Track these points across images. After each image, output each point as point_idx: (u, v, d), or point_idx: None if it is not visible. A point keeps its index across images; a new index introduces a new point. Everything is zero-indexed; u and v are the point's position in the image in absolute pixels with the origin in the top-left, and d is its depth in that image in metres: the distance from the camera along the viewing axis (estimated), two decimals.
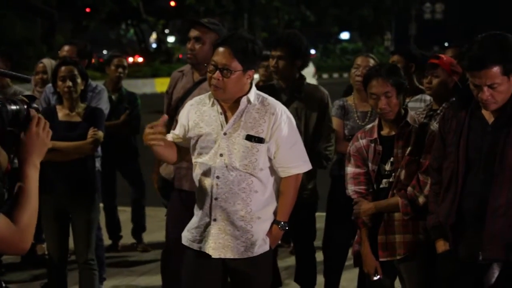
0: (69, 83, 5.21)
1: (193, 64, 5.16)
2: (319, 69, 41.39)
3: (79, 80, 5.26)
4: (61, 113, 5.28)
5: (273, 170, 4.00)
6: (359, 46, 53.30)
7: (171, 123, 4.81)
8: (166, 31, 47.57)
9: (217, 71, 3.86)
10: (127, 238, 7.51)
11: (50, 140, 5.05)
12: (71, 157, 5.20)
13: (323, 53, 54.36)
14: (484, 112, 3.78)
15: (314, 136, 5.22)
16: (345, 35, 59.46)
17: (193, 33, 5.09)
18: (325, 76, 41.35)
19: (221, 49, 3.88)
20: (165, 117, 3.93)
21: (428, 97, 5.23)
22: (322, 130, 5.24)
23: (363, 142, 4.32)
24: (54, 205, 5.23)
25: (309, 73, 7.12)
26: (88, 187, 5.30)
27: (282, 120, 3.94)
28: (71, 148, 5.19)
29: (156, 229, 7.65)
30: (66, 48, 6.48)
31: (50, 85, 5.97)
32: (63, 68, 5.26)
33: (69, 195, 5.23)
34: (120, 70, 7.11)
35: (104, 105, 5.87)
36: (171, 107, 5.20)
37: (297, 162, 4.02)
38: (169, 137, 4.10)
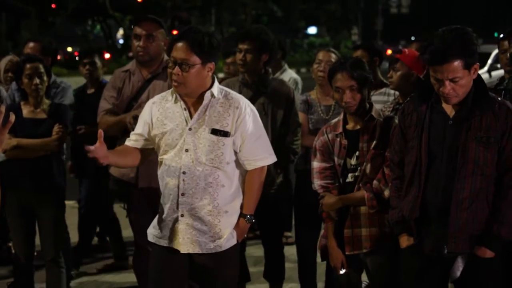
0: (37, 81, 5.18)
1: (144, 62, 5.12)
2: (287, 64, 41.28)
3: (45, 77, 5.23)
4: (26, 110, 5.25)
5: (238, 164, 4.02)
6: (326, 41, 53.34)
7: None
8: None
9: (177, 66, 3.87)
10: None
11: (14, 136, 5.03)
12: (36, 154, 5.17)
13: (290, 48, 54.41)
14: (444, 105, 3.82)
15: (282, 130, 5.23)
16: (312, 30, 59.48)
17: (143, 30, 5.07)
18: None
19: (178, 44, 3.90)
20: (101, 132, 3.90)
21: (392, 91, 5.28)
22: (289, 125, 5.26)
23: (328, 136, 4.34)
24: (20, 202, 5.20)
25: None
26: (53, 184, 5.26)
27: (247, 113, 3.96)
28: (36, 145, 5.16)
29: (126, 225, 7.61)
30: (30, 45, 6.41)
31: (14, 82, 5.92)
32: (28, 65, 5.22)
33: (35, 192, 5.20)
34: (87, 67, 7.04)
35: (68, 101, 5.83)
36: (120, 106, 5.13)
37: (263, 154, 4.05)
38: (130, 142, 4.11)
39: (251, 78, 5.24)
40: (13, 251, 5.50)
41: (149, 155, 4.14)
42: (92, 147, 3.81)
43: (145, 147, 4.10)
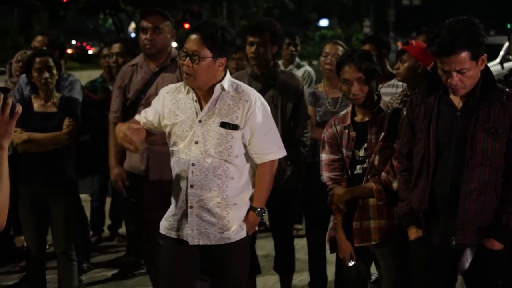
0: (46, 74, 5.21)
1: (151, 55, 5.14)
2: (299, 56, 41.24)
3: (55, 71, 5.26)
4: (37, 104, 5.28)
5: (248, 157, 4.02)
6: (338, 33, 53.22)
7: (127, 116, 4.91)
8: None
9: (187, 58, 3.88)
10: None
11: (25, 129, 5.07)
12: (47, 147, 5.21)
13: (302, 41, 54.28)
14: (452, 97, 3.81)
15: (291, 123, 5.23)
16: (324, 22, 59.33)
17: (149, 23, 5.09)
18: (304, 63, 41.38)
19: (192, 36, 3.91)
20: (136, 121, 3.95)
21: (401, 83, 5.27)
22: (298, 117, 5.26)
23: (337, 128, 4.34)
24: (31, 196, 5.24)
25: None
26: (64, 177, 5.29)
27: (256, 106, 3.97)
28: (47, 139, 5.19)
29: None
30: (38, 38, 6.45)
31: (24, 75, 5.95)
32: (38, 59, 5.24)
33: (46, 186, 5.23)
34: (107, 59, 7.07)
35: (77, 95, 5.85)
36: (129, 100, 5.18)
37: (272, 148, 4.05)
38: (140, 121, 4.12)
39: (260, 71, 5.24)
40: (25, 245, 5.53)
41: (150, 136, 4.16)
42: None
43: (152, 131, 4.12)
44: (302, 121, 5.27)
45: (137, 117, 4.19)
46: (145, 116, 4.14)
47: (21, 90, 5.93)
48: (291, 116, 5.22)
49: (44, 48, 5.91)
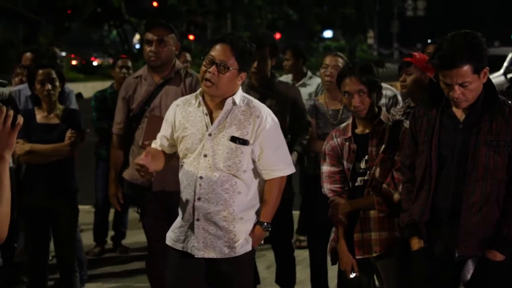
0: (49, 86, 5.23)
1: (155, 67, 5.15)
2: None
3: (57, 83, 5.28)
4: (39, 116, 5.30)
5: (257, 172, 4.02)
6: (342, 44, 53.35)
7: (131, 128, 4.99)
8: None
9: (214, 65, 3.89)
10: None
11: (28, 141, 5.08)
12: (49, 159, 5.22)
13: (306, 52, 54.32)
14: (455, 110, 3.81)
15: (291, 132, 5.27)
16: (328, 34, 59.50)
17: (154, 35, 5.11)
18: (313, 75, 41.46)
19: (220, 45, 3.93)
20: (151, 149, 3.96)
21: (389, 92, 5.31)
22: (297, 126, 5.29)
23: (337, 140, 4.35)
24: (34, 207, 5.24)
25: None
26: (67, 188, 5.31)
27: (267, 123, 3.97)
28: (49, 150, 5.21)
29: (135, 229, 7.66)
30: (28, 55, 6.54)
31: (16, 88, 6.01)
32: (40, 71, 5.26)
33: (49, 197, 5.23)
34: (124, 70, 7.12)
35: (74, 107, 5.90)
36: (132, 111, 5.19)
37: (281, 165, 4.05)
38: (155, 144, 4.14)
39: (258, 82, 5.29)
40: (20, 257, 5.55)
41: (171, 159, 4.16)
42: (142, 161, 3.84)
43: (169, 149, 4.12)
44: (302, 129, 5.30)
45: (153, 144, 4.19)
46: (159, 135, 4.16)
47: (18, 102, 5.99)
48: (290, 125, 5.26)
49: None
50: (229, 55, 3.89)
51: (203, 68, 3.93)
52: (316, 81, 7.45)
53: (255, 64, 5.22)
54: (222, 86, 3.91)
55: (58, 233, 5.33)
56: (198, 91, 4.07)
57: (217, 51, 3.92)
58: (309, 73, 7.53)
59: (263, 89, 5.27)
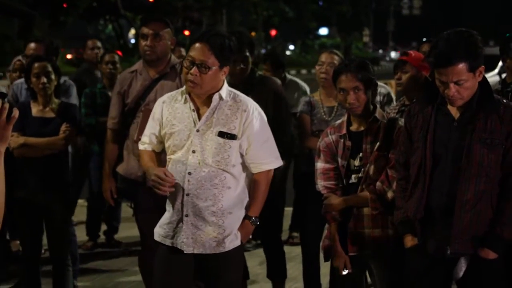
0: (44, 80, 5.22)
1: (151, 61, 5.14)
2: (298, 65, 41.38)
3: (53, 76, 5.27)
4: (35, 109, 5.29)
5: (245, 166, 4.04)
6: (337, 42, 53.38)
7: (126, 122, 4.98)
8: None
9: (195, 67, 3.88)
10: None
11: (22, 134, 5.08)
12: (43, 152, 5.21)
13: (302, 49, 54.38)
14: (450, 107, 3.82)
15: (274, 125, 5.28)
16: (323, 31, 59.50)
17: (150, 29, 5.10)
18: (304, 71, 41.43)
19: (198, 45, 3.92)
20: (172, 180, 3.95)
21: (383, 90, 5.33)
22: (281, 119, 5.29)
23: (332, 137, 4.35)
24: (28, 201, 5.24)
25: None
26: (61, 182, 5.30)
27: (254, 116, 3.98)
28: (43, 144, 5.20)
29: (128, 223, 7.66)
30: (32, 45, 6.47)
31: (18, 82, 5.97)
32: (36, 64, 5.26)
33: (43, 191, 5.23)
34: (110, 66, 7.08)
35: (74, 101, 5.87)
36: (128, 106, 5.19)
37: (269, 158, 4.07)
38: (143, 146, 4.16)
39: (238, 79, 5.28)
40: (14, 250, 5.54)
41: (161, 155, 4.17)
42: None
43: (158, 147, 4.13)
44: (285, 121, 5.34)
45: (141, 145, 4.20)
46: (146, 134, 4.17)
47: (16, 97, 5.95)
48: (273, 118, 5.27)
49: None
50: (208, 54, 3.89)
51: (185, 70, 3.94)
52: (296, 86, 7.38)
53: (240, 65, 5.26)
54: (206, 85, 3.92)
55: (51, 227, 5.32)
56: (183, 88, 4.07)
57: (196, 50, 3.90)
58: (290, 77, 7.50)
59: (243, 85, 5.25)
